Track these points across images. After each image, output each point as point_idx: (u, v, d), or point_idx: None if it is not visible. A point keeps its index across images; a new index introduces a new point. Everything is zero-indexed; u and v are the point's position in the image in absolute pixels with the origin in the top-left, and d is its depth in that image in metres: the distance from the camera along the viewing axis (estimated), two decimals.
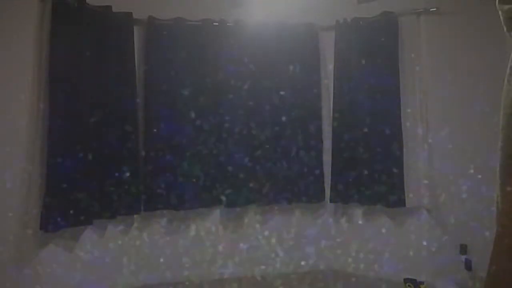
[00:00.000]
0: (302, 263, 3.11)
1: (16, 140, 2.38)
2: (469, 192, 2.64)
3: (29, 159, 2.42)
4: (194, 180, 2.90)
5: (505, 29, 0.98)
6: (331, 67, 3.14)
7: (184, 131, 2.90)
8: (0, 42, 2.33)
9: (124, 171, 2.73)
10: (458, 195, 2.73)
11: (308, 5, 3.06)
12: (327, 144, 3.14)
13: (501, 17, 0.98)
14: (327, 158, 3.13)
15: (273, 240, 3.10)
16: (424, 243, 2.86)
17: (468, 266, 2.67)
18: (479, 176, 2.54)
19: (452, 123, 2.81)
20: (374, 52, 2.97)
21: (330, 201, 3.10)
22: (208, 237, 3.02)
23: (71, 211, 2.49)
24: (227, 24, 3.03)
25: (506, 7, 0.95)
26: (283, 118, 3.06)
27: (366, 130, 2.97)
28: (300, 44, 3.13)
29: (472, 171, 2.64)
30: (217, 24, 3.02)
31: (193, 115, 2.92)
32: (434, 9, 2.84)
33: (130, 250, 2.85)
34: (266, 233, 3.11)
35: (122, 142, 2.74)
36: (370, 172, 2.94)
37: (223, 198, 2.97)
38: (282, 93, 3.07)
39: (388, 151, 2.89)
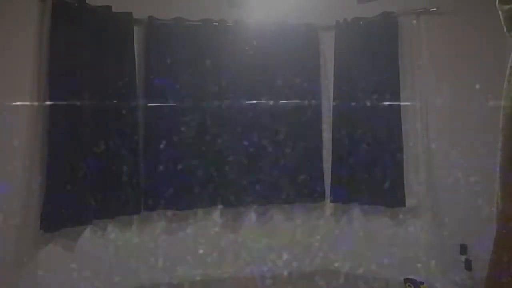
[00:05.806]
0: (302, 263, 3.10)
1: (16, 140, 2.37)
2: (469, 192, 2.64)
3: (29, 159, 2.42)
4: (194, 180, 2.90)
5: (505, 29, 0.98)
6: (331, 67, 3.14)
7: (184, 131, 2.90)
8: (0, 41, 2.33)
9: (124, 171, 2.73)
10: (458, 195, 2.73)
11: (308, 5, 3.06)
12: (327, 144, 3.14)
13: (501, 17, 0.98)
14: (327, 158, 3.14)
15: (273, 240, 3.10)
16: (424, 243, 2.86)
17: (468, 266, 2.68)
18: (479, 176, 2.54)
19: (452, 123, 2.81)
20: (374, 52, 2.98)
21: (330, 201, 3.11)
22: (208, 237, 3.02)
23: (71, 211, 2.49)
24: (227, 24, 3.03)
25: (506, 7, 0.96)
26: (283, 118, 3.06)
27: (366, 130, 2.97)
28: (300, 44, 3.13)
29: (472, 171, 2.64)
30: (217, 24, 3.01)
31: (193, 115, 2.92)
32: (434, 9, 2.83)
33: (130, 250, 2.85)
34: (266, 233, 3.11)
35: (122, 142, 2.74)
36: (370, 172, 2.94)
37: (223, 198, 2.98)
38: (282, 93, 3.07)
39: (388, 151, 2.90)
